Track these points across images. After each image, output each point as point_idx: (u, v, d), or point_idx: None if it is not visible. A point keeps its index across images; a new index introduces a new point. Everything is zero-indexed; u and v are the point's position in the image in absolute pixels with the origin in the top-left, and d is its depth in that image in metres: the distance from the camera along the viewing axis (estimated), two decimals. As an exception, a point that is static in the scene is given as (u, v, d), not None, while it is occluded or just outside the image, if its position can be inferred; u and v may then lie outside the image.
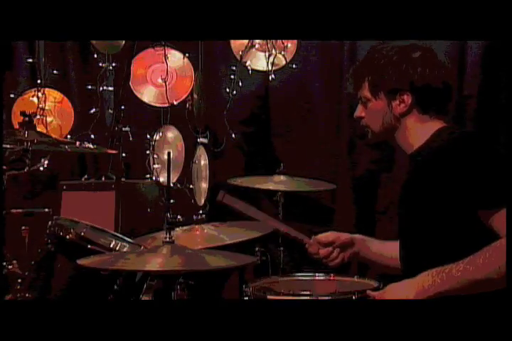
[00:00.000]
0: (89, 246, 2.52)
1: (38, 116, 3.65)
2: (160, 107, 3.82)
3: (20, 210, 3.28)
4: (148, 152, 3.73)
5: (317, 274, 2.80)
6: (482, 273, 1.86)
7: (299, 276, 2.88)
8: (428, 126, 2.12)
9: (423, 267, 1.98)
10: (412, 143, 2.14)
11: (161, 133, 3.75)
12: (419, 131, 2.12)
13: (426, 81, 2.07)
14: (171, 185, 3.53)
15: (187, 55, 3.78)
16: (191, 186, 3.73)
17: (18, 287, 2.74)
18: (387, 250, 2.33)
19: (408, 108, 2.11)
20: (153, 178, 3.72)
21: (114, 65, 3.68)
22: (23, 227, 3.12)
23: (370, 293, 2.04)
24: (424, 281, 1.93)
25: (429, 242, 2.04)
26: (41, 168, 3.15)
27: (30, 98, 3.79)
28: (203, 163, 3.75)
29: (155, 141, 3.73)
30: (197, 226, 3.16)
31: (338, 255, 2.35)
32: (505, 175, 1.90)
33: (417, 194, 2.06)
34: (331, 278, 2.76)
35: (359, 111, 2.21)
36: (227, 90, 3.83)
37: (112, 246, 2.62)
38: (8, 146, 2.79)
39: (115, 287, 2.46)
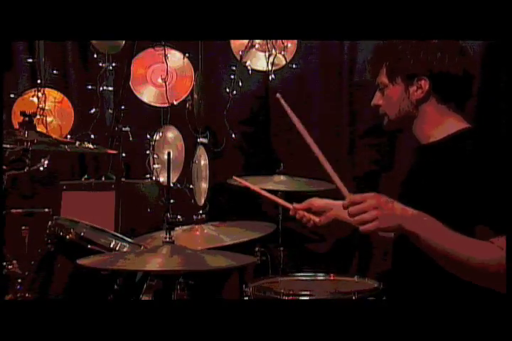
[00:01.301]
0: (89, 246, 2.52)
1: (38, 116, 3.65)
2: (160, 107, 3.82)
3: (20, 210, 3.28)
4: (148, 152, 3.73)
5: (317, 274, 2.81)
6: (462, 250, 1.79)
7: (299, 276, 2.88)
8: (450, 121, 2.07)
9: (415, 263, 1.97)
10: (429, 135, 2.09)
11: (161, 133, 3.75)
12: (439, 123, 2.08)
13: (445, 67, 2.03)
14: (171, 185, 3.53)
15: (187, 55, 3.79)
16: (191, 186, 3.73)
17: (18, 287, 2.75)
18: None
19: (425, 94, 2.06)
20: (153, 178, 3.72)
21: (114, 65, 3.68)
22: (23, 227, 3.12)
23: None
24: (410, 215, 1.82)
25: None
26: (41, 168, 3.15)
27: (30, 98, 3.79)
28: (203, 163, 3.75)
29: (155, 141, 3.73)
30: (197, 226, 3.16)
31: (310, 219, 2.46)
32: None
33: (424, 186, 2.02)
34: (331, 278, 2.76)
35: (376, 99, 2.17)
36: (227, 90, 3.83)
37: (112, 246, 2.62)
38: (8, 146, 2.79)
39: (115, 287, 2.46)
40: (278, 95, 2.07)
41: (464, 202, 1.89)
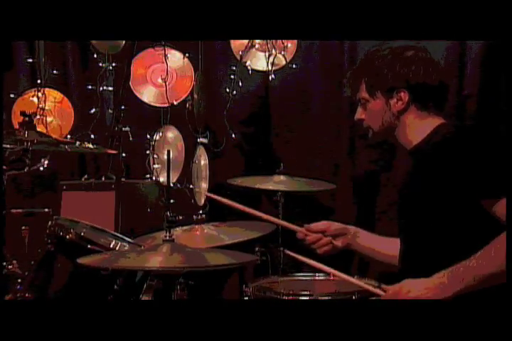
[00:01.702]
0: (89, 246, 2.52)
1: (38, 116, 3.65)
2: (160, 107, 3.82)
3: (20, 210, 3.29)
4: (148, 152, 3.73)
5: (317, 274, 2.80)
6: (496, 266, 1.87)
7: (299, 276, 2.88)
8: (427, 122, 2.16)
9: (425, 263, 1.98)
10: (411, 140, 2.17)
11: (161, 133, 3.75)
12: (418, 128, 2.16)
13: (421, 78, 2.12)
14: (171, 185, 3.53)
15: (187, 55, 3.78)
16: (191, 186, 3.73)
17: (18, 287, 2.74)
18: (382, 246, 2.35)
19: (406, 105, 2.15)
20: (153, 178, 3.72)
21: (114, 65, 3.68)
22: (23, 227, 3.13)
23: (384, 288, 2.04)
24: (440, 283, 1.94)
25: (432, 237, 2.05)
26: (41, 168, 3.15)
27: (30, 98, 3.79)
28: (203, 163, 3.75)
29: (155, 141, 3.72)
30: (197, 226, 3.16)
31: (327, 243, 2.37)
32: (505, 165, 1.92)
33: (419, 189, 2.07)
34: (331, 278, 2.76)
35: (359, 114, 2.25)
36: (227, 90, 3.82)
37: (112, 246, 2.62)
38: (8, 146, 2.79)
39: (115, 287, 2.46)
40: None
41: (461, 184, 1.95)
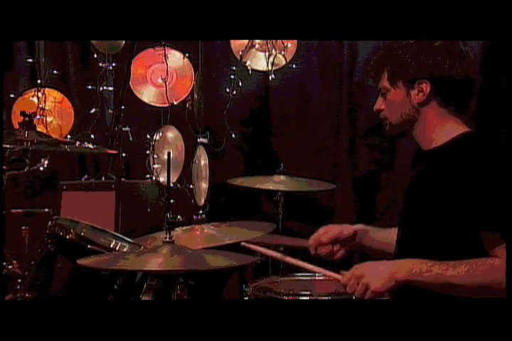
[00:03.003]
0: (89, 246, 2.52)
1: (38, 116, 3.66)
2: (160, 107, 3.82)
3: (20, 210, 3.29)
4: (148, 152, 3.73)
5: (317, 274, 2.80)
6: (458, 280, 1.87)
7: (299, 276, 2.88)
8: (450, 124, 2.08)
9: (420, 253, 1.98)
10: (431, 139, 2.09)
11: (161, 133, 3.75)
12: (439, 128, 2.08)
13: (446, 71, 2.03)
14: (171, 185, 3.53)
15: (187, 55, 3.78)
16: (191, 186, 3.73)
17: (18, 287, 2.74)
18: (392, 237, 2.31)
19: (427, 97, 2.06)
20: (153, 178, 3.72)
21: (114, 64, 3.68)
22: (23, 227, 3.13)
23: (342, 273, 2.01)
24: (403, 266, 1.94)
25: (426, 243, 2.04)
26: (41, 168, 3.15)
27: (30, 98, 3.79)
28: (203, 163, 3.75)
29: (155, 141, 3.73)
30: (197, 226, 3.15)
31: (339, 250, 2.31)
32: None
33: (429, 192, 2.03)
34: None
35: (378, 104, 2.17)
36: (227, 90, 3.83)
37: (112, 246, 2.62)
38: (8, 146, 2.79)
39: (115, 287, 2.46)
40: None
41: (468, 208, 1.91)
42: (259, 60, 3.82)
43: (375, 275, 1.95)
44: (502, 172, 1.92)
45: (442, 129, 2.08)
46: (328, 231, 2.31)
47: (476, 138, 2.06)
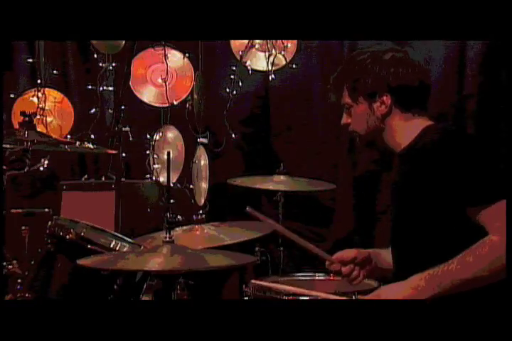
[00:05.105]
0: (89, 246, 2.52)
1: (38, 116, 3.65)
2: (160, 107, 3.82)
3: (20, 210, 3.29)
4: (148, 152, 3.73)
5: (317, 274, 2.81)
6: (472, 271, 1.88)
7: (299, 276, 2.88)
8: (414, 124, 2.15)
9: (415, 267, 1.98)
10: (399, 142, 2.16)
11: (161, 133, 3.75)
12: (405, 130, 2.15)
13: (401, 81, 2.12)
14: (171, 185, 3.53)
15: (187, 55, 3.79)
16: (191, 186, 3.73)
17: (18, 287, 2.75)
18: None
19: (389, 108, 2.14)
20: (153, 178, 3.72)
21: (114, 64, 3.68)
22: (23, 227, 3.13)
23: (361, 298, 2.06)
24: (417, 285, 1.94)
25: (420, 242, 2.05)
26: (41, 168, 3.15)
27: (30, 98, 3.79)
28: (203, 163, 3.75)
29: (155, 141, 3.73)
30: (197, 226, 3.16)
31: (359, 273, 2.32)
32: (495, 171, 1.95)
33: (407, 193, 2.08)
34: (331, 278, 2.76)
35: (344, 119, 2.25)
36: (227, 90, 3.83)
37: (112, 246, 2.62)
38: (8, 146, 2.79)
39: (115, 287, 2.46)
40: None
41: (447, 190, 1.96)
42: (259, 60, 3.82)
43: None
44: (470, 151, 1.99)
45: (408, 130, 2.15)
46: (347, 252, 2.33)
47: (436, 129, 2.12)
